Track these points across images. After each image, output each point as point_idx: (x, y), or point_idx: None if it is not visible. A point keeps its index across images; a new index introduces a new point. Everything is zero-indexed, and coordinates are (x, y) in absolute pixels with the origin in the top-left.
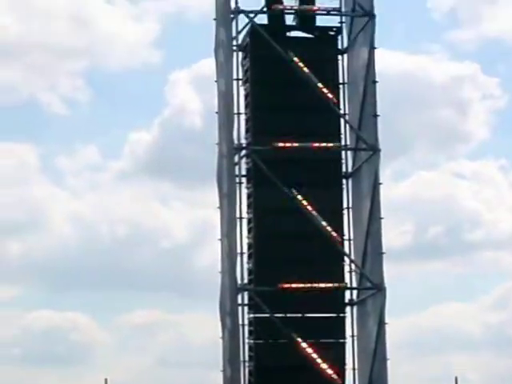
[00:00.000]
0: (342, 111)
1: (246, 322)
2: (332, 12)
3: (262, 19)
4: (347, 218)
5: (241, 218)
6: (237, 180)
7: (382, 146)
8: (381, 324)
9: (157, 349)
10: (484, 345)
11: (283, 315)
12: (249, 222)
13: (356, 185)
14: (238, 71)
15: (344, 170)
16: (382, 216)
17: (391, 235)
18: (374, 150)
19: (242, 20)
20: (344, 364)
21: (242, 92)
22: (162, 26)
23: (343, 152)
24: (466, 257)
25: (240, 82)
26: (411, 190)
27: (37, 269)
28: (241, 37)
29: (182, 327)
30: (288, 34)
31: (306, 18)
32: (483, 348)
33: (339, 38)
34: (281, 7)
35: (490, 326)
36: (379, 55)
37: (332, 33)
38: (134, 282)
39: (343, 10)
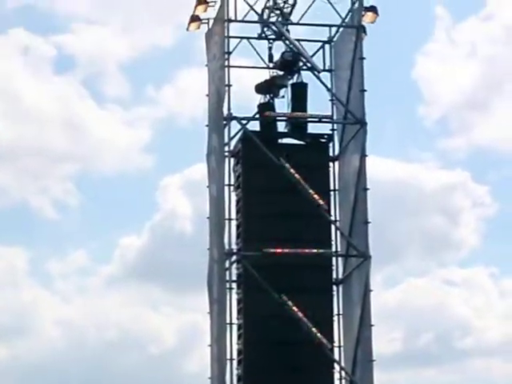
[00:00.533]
0: (332, 218)
1: None
2: (323, 119)
3: (255, 126)
4: (337, 325)
5: (231, 323)
6: (227, 285)
7: (373, 252)
8: None
9: None
10: None
11: None
12: (239, 327)
13: (346, 291)
14: (229, 177)
15: (335, 276)
16: (372, 323)
17: (381, 342)
18: (365, 256)
19: (235, 126)
20: None
21: (234, 198)
22: (153, 132)
23: (334, 258)
24: (457, 364)
25: (232, 188)
26: (401, 296)
27: (24, 374)
28: (233, 143)
29: None
30: (280, 140)
31: (297, 125)
32: None
33: (330, 145)
34: (273, 114)
35: None
36: (370, 162)
37: (323, 140)
38: None
39: (335, 117)
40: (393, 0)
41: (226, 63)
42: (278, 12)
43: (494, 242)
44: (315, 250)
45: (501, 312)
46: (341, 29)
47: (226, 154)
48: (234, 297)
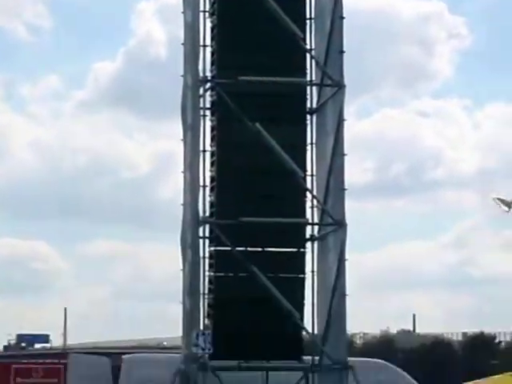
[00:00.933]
0: (308, 46)
1: (207, 254)
2: None
3: None
4: (310, 154)
5: (204, 150)
6: (201, 113)
7: (348, 82)
8: (341, 260)
9: (117, 280)
10: (443, 283)
11: (244, 249)
12: (212, 155)
13: (320, 121)
14: (205, 3)
15: (309, 105)
16: (345, 153)
17: (354, 172)
18: (339, 86)
19: None
20: (303, 299)
21: (209, 24)
22: None
23: (308, 88)
24: (429, 195)
25: (207, 14)
26: (375, 127)
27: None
28: None
29: (142, 259)
30: None
31: None
32: (442, 286)
33: None
34: None
35: (449, 265)
36: None
37: None
38: (96, 212)
39: None
40: None
41: None
42: None
43: (469, 74)
44: (290, 79)
45: (473, 143)
46: None
47: None
48: (208, 124)
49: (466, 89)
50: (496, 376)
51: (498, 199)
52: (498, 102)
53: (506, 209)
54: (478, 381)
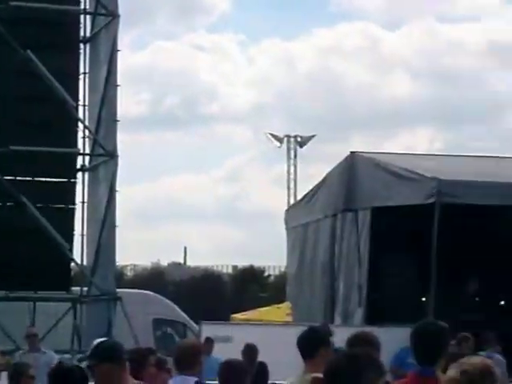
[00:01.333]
0: None
1: None
2: None
3: None
4: (83, 84)
5: None
6: None
7: (122, 12)
8: (112, 191)
9: None
10: (215, 216)
11: (13, 178)
12: None
13: (93, 50)
14: None
15: (82, 34)
16: (118, 83)
17: (128, 104)
18: (114, 15)
19: None
20: (73, 230)
21: None
22: None
23: (82, 16)
24: (202, 129)
25: None
26: (149, 59)
27: None
28: None
29: None
30: None
31: None
32: (214, 219)
33: None
34: None
35: (222, 198)
36: None
37: None
38: None
39: None
40: None
41: None
42: None
43: (245, 9)
44: (63, 7)
45: (248, 79)
46: None
47: None
48: None
49: (242, 24)
50: (264, 308)
51: (271, 134)
52: (273, 37)
53: (278, 144)
54: (246, 313)
